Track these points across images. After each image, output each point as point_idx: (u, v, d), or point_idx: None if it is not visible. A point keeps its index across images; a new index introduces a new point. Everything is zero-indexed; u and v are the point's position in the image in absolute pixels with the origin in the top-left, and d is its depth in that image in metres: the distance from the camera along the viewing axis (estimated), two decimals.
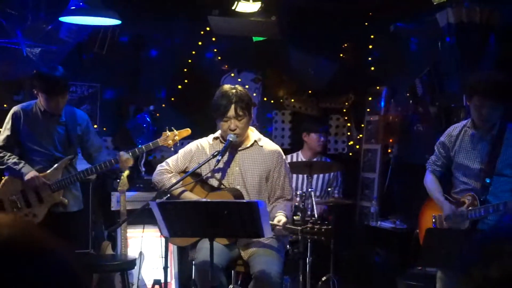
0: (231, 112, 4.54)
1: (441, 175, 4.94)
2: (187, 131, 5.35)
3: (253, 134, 4.83)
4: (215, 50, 7.74)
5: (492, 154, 4.55)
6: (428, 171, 4.98)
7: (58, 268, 1.12)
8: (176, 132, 5.31)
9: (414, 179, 6.58)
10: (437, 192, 4.83)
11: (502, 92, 4.42)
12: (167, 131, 5.32)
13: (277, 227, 4.39)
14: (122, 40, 6.97)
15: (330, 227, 4.28)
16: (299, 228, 4.34)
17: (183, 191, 4.70)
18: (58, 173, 5.26)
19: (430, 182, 4.92)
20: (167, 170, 4.82)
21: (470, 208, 4.57)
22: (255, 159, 4.73)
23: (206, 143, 4.81)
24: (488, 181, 4.54)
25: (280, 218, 4.46)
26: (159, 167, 4.89)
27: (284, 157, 4.85)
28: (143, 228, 6.38)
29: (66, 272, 1.13)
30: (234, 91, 4.60)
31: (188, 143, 5.04)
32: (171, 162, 4.85)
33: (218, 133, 4.82)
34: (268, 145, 4.82)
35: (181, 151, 4.89)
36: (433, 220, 4.80)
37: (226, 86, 4.70)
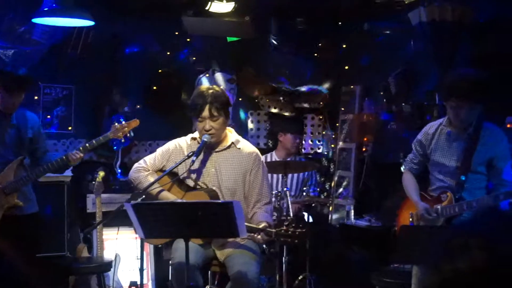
0: (205, 112, 4.53)
1: (418, 173, 4.98)
2: (135, 122, 5.35)
3: (231, 135, 4.81)
4: (190, 50, 7.73)
5: (468, 152, 4.59)
6: (406, 169, 5.02)
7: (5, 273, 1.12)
8: (125, 123, 5.30)
9: (388, 177, 6.64)
10: (413, 191, 4.87)
11: (479, 93, 4.45)
12: (116, 124, 5.32)
13: (255, 234, 4.38)
14: (96, 41, 6.93)
15: (304, 230, 4.24)
16: (273, 230, 4.32)
17: (160, 191, 4.69)
18: (10, 175, 5.11)
19: (407, 181, 4.96)
20: (144, 168, 4.80)
21: (444, 205, 4.62)
22: (232, 161, 4.71)
23: (184, 143, 4.81)
24: (463, 178, 4.58)
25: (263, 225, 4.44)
26: (136, 165, 4.87)
27: (262, 159, 4.81)
28: (118, 230, 6.37)
29: (13, 277, 1.13)
30: (210, 91, 4.58)
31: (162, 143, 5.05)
32: (149, 160, 4.84)
33: (196, 134, 4.81)
34: (246, 147, 4.79)
35: (159, 150, 4.87)
36: (410, 218, 4.85)
37: (204, 86, 4.71)
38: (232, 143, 4.73)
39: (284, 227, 4.26)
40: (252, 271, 4.42)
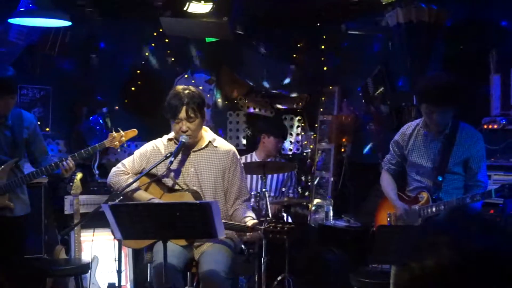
0: (182, 114, 4.53)
1: (396, 173, 5.00)
2: (133, 132, 5.27)
3: (207, 134, 4.83)
4: (168, 51, 7.71)
5: (444, 153, 4.62)
6: (384, 170, 5.04)
7: None
8: (122, 133, 5.23)
9: (367, 177, 6.66)
10: (391, 191, 4.90)
11: (451, 98, 4.48)
12: (114, 132, 5.25)
13: (247, 231, 4.40)
14: (73, 41, 6.89)
15: (293, 226, 4.27)
16: (262, 227, 4.33)
17: (136, 189, 4.66)
18: (3, 176, 5.05)
19: (385, 181, 4.98)
20: (124, 172, 4.77)
21: (422, 206, 4.64)
22: (210, 160, 4.73)
23: (161, 144, 4.80)
24: (440, 179, 4.61)
25: (251, 222, 4.46)
26: (115, 169, 4.83)
27: (238, 156, 4.85)
28: (93, 232, 6.34)
29: None
30: (186, 92, 4.58)
31: (141, 144, 5.02)
32: (127, 163, 4.81)
33: (172, 134, 4.80)
34: (223, 145, 4.82)
35: (137, 152, 4.85)
36: (388, 218, 4.87)
37: (179, 87, 4.68)
38: (209, 142, 4.76)
39: (273, 224, 4.28)
40: (221, 270, 4.42)
